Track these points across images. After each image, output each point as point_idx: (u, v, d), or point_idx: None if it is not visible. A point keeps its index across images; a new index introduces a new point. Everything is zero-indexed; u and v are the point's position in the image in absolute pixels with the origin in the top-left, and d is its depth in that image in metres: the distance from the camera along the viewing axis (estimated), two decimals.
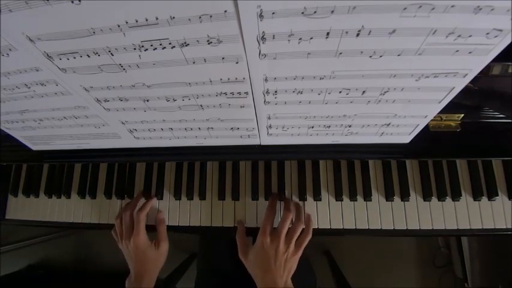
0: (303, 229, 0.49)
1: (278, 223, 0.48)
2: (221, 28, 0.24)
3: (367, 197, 0.53)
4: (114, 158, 0.57)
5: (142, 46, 0.26)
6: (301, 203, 0.54)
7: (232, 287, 0.67)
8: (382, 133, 0.42)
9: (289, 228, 0.47)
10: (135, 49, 0.27)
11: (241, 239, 0.50)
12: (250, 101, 0.34)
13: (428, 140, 0.47)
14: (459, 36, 0.24)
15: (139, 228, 0.51)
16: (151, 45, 0.26)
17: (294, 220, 0.49)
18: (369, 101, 0.34)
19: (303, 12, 0.22)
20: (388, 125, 0.39)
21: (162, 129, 0.42)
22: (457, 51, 0.26)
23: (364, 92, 0.32)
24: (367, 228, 0.52)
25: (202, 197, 0.57)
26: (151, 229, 0.56)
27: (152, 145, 0.47)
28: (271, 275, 0.44)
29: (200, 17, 0.23)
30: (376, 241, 1.23)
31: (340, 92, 0.32)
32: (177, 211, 0.57)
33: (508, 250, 0.90)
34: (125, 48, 0.27)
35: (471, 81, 0.29)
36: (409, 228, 0.51)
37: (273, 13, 0.22)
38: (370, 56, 0.27)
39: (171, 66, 0.29)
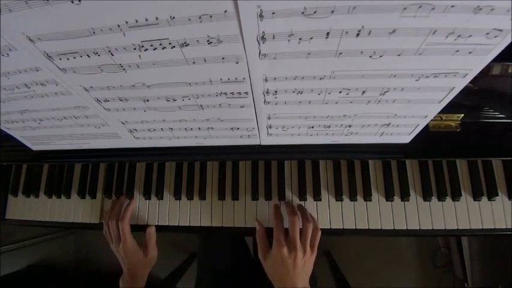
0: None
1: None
2: (221, 28, 0.24)
3: (367, 197, 0.53)
4: (114, 158, 0.57)
5: (142, 46, 0.26)
6: (301, 203, 0.54)
7: (232, 287, 0.67)
8: (382, 133, 0.42)
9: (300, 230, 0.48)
10: (135, 49, 0.27)
11: (262, 240, 0.50)
12: (250, 101, 0.34)
13: (428, 140, 0.47)
14: (459, 36, 0.24)
15: (125, 236, 0.53)
16: (151, 45, 0.26)
17: (301, 222, 0.49)
18: (369, 101, 0.34)
19: (303, 12, 0.22)
20: (388, 125, 0.39)
21: (162, 129, 0.42)
22: (457, 51, 0.26)
23: (364, 92, 0.32)
24: (367, 228, 0.52)
25: (202, 197, 0.57)
26: (141, 229, 0.56)
27: (152, 145, 0.47)
28: (290, 282, 0.45)
29: (200, 17, 0.23)
30: (376, 241, 1.23)
31: (340, 92, 0.32)
32: (177, 211, 0.57)
33: (508, 250, 0.90)
34: (125, 48, 0.27)
35: (471, 81, 0.29)
36: (409, 228, 0.51)
37: (273, 13, 0.22)
38: (370, 56, 0.27)
39: (171, 66, 0.29)
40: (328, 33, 0.24)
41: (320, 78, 0.30)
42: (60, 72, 0.31)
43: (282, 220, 0.50)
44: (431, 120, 0.38)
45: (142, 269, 0.54)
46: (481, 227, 0.50)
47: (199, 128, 0.41)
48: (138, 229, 0.56)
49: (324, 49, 0.26)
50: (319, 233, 0.48)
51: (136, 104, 0.36)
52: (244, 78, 0.31)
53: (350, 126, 0.40)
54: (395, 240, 1.23)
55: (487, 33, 0.23)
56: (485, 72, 0.35)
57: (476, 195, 0.51)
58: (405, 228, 0.51)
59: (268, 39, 0.25)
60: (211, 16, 0.23)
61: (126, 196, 0.59)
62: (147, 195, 0.58)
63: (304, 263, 0.46)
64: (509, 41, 0.24)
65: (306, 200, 0.54)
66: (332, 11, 0.22)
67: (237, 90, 0.33)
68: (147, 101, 0.35)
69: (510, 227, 0.50)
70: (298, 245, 0.45)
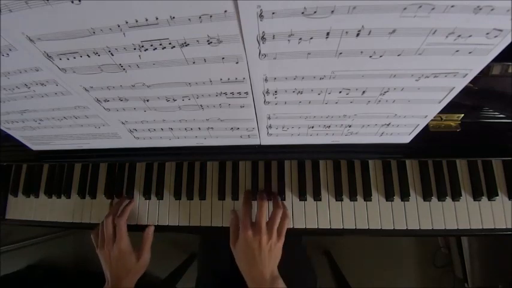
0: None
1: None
2: (221, 28, 0.24)
3: (367, 197, 0.53)
4: (114, 158, 0.57)
5: (142, 46, 0.26)
6: (301, 203, 0.54)
7: (232, 287, 0.67)
8: (382, 133, 0.42)
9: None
10: (135, 49, 0.27)
11: (234, 229, 0.50)
12: (250, 101, 0.34)
13: (428, 140, 0.47)
14: (459, 36, 0.24)
15: (121, 234, 0.51)
16: (151, 45, 0.26)
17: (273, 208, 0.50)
18: (369, 101, 0.34)
19: (303, 12, 0.22)
20: (388, 125, 0.39)
21: (162, 129, 0.42)
22: (457, 51, 0.26)
23: (364, 92, 0.32)
24: (367, 228, 0.52)
25: (202, 197, 0.57)
26: (141, 229, 0.56)
27: (152, 145, 0.47)
28: (256, 268, 0.45)
29: (200, 17, 0.23)
30: (376, 241, 1.23)
31: (340, 92, 0.32)
32: (177, 211, 0.57)
33: (508, 250, 0.90)
34: (125, 48, 0.27)
35: (471, 81, 0.29)
36: (409, 228, 0.51)
37: (273, 13, 0.22)
38: (370, 56, 0.27)
39: (171, 66, 0.29)
40: (328, 33, 0.24)
41: (320, 78, 0.30)
42: (60, 72, 0.31)
43: (250, 206, 0.50)
44: (431, 120, 0.38)
45: (132, 276, 0.51)
46: (481, 227, 0.50)
47: (199, 128, 0.41)
48: (135, 229, 0.56)
49: (324, 49, 0.26)
50: (288, 221, 0.49)
51: (137, 104, 0.36)
52: (244, 78, 0.31)
53: (350, 126, 0.40)
54: (395, 240, 1.23)
55: (487, 33, 0.23)
56: (485, 72, 0.35)
57: (476, 195, 0.51)
58: (405, 228, 0.51)
59: (268, 39, 0.25)
60: (211, 16, 0.23)
61: (127, 197, 0.59)
62: (147, 195, 0.58)
63: (270, 248, 0.46)
64: (509, 41, 0.24)
65: (306, 200, 0.54)
66: (332, 11, 0.22)
67: (237, 90, 0.33)
68: (147, 101, 0.35)
69: (510, 227, 0.50)
70: (263, 229, 0.46)
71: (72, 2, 0.22)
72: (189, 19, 0.23)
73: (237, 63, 0.28)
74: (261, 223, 0.46)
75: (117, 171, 0.61)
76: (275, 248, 0.46)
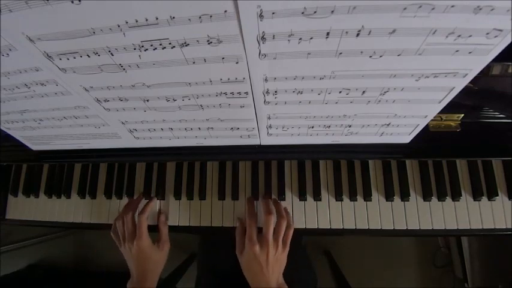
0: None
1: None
2: (221, 28, 0.24)
3: (367, 197, 0.53)
4: (114, 158, 0.57)
5: (142, 46, 0.26)
6: (301, 203, 0.54)
7: (232, 287, 0.67)
8: (382, 133, 0.42)
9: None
10: (135, 49, 0.27)
11: (240, 237, 0.50)
12: (250, 101, 0.34)
13: (428, 140, 0.47)
14: (459, 36, 0.24)
15: (141, 231, 0.51)
16: (151, 45, 0.26)
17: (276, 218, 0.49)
18: (369, 101, 0.34)
19: (303, 12, 0.22)
20: (388, 125, 0.39)
21: (162, 129, 0.42)
22: (457, 51, 0.26)
23: (364, 92, 0.32)
24: (367, 228, 0.52)
25: (202, 197, 0.57)
26: (152, 229, 0.56)
27: (152, 145, 0.47)
28: (263, 278, 0.45)
29: (200, 17, 0.23)
30: (376, 241, 1.23)
31: (340, 92, 0.32)
32: (177, 211, 0.57)
33: (508, 250, 0.90)
34: (125, 48, 0.27)
35: (471, 81, 0.29)
36: (409, 228, 0.51)
37: (273, 13, 0.22)
38: (370, 56, 0.27)
39: (171, 66, 0.29)
40: (328, 33, 0.24)
41: (320, 78, 0.30)
42: (60, 72, 0.31)
43: (256, 218, 0.50)
44: (431, 120, 0.38)
45: (154, 268, 0.52)
46: (481, 227, 0.50)
47: (199, 128, 0.41)
48: None
49: (324, 49, 0.26)
50: (292, 230, 0.49)
51: (137, 104, 0.36)
52: (244, 78, 0.31)
53: (350, 126, 0.40)
54: (395, 240, 1.23)
55: (487, 33, 0.23)
56: (485, 72, 0.35)
57: (476, 195, 0.51)
58: (405, 228, 0.51)
59: (268, 39, 0.25)
60: (211, 16, 0.23)
61: (127, 194, 0.59)
62: (147, 196, 0.58)
63: (276, 259, 0.46)
64: (509, 41, 0.24)
65: (306, 200, 0.54)
66: (332, 11, 0.22)
67: (237, 90, 0.33)
68: (147, 101, 0.35)
69: (510, 227, 0.50)
70: (270, 242, 0.46)
71: (72, 2, 0.22)
72: (189, 19, 0.23)
73: (237, 63, 0.28)
74: (268, 238, 0.46)
75: (117, 171, 0.61)
76: (280, 258, 0.47)
